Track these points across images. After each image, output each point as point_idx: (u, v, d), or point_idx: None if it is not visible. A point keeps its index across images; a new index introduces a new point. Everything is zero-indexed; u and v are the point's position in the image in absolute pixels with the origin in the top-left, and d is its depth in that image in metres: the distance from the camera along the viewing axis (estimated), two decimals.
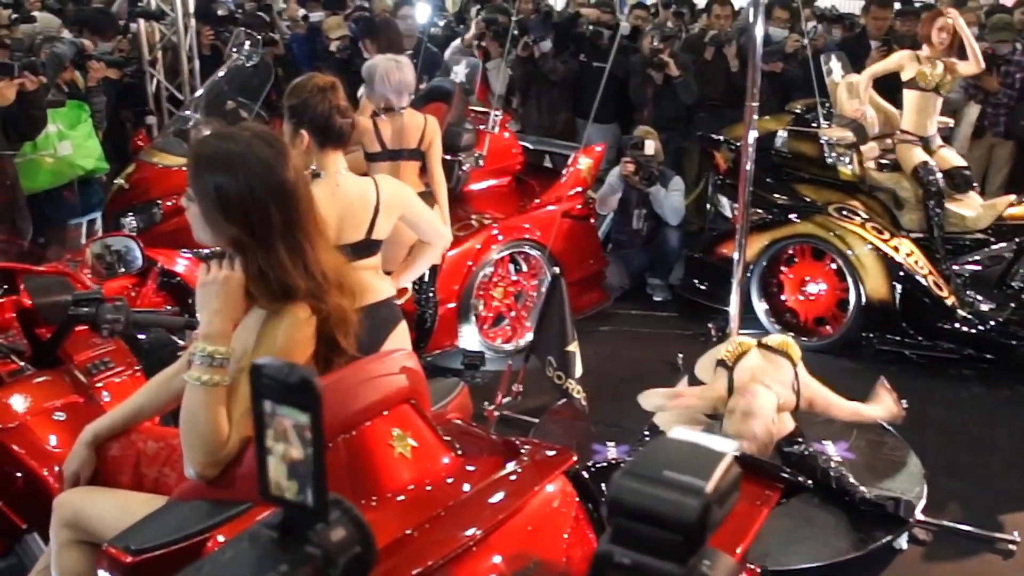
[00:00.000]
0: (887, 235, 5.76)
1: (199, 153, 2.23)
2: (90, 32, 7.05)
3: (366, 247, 3.46)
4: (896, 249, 5.68)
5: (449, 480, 2.28)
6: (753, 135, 4.44)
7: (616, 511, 1.09)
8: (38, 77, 5.21)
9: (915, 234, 5.91)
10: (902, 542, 3.91)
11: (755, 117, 4.43)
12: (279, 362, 1.14)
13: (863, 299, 5.68)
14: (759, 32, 4.45)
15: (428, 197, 5.00)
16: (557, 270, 4.01)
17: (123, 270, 3.89)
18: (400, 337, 3.48)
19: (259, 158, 2.16)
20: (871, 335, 5.71)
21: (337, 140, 3.48)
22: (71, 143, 5.93)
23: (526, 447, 2.49)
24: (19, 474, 2.81)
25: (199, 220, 2.22)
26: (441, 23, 10.91)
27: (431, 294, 5.25)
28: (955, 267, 5.80)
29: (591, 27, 8.10)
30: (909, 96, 6.14)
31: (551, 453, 2.47)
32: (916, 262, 5.66)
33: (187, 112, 6.85)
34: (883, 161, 6.33)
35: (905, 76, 6.08)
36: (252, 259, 2.16)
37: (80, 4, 9.71)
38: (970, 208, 6.05)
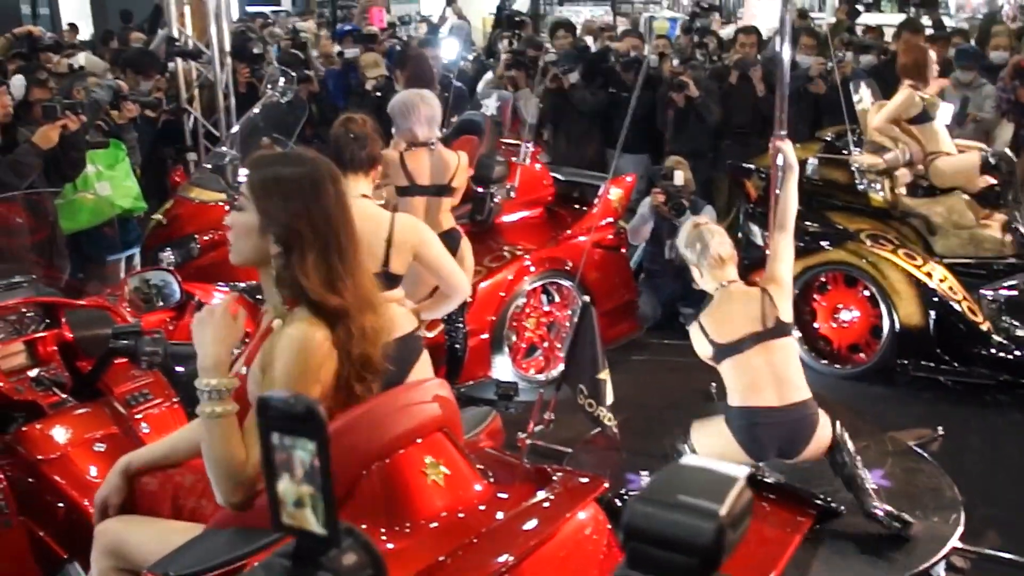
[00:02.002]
0: (920, 261, 5.73)
1: (262, 156, 2.36)
2: (133, 72, 7.20)
3: (384, 278, 3.50)
4: (929, 275, 5.65)
5: (481, 507, 2.30)
6: (781, 162, 4.45)
7: (632, 536, 1.10)
8: (79, 117, 5.31)
9: (948, 259, 5.87)
10: (940, 570, 3.86)
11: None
12: (284, 393, 1.19)
13: (897, 325, 5.65)
14: (786, 59, 4.46)
15: (455, 235, 5.04)
16: (587, 298, 4.03)
17: (161, 304, 3.96)
18: (423, 370, 3.51)
19: (323, 170, 2.28)
20: (905, 362, 5.67)
21: (354, 167, 3.68)
22: (110, 184, 6.04)
23: (558, 475, 2.51)
24: (60, 504, 2.87)
25: (245, 227, 2.25)
26: (471, 57, 11.02)
27: (460, 325, 5.28)
28: (989, 292, 5.74)
29: (622, 60, 8.15)
30: (923, 129, 6.13)
31: (583, 480, 2.48)
32: (950, 288, 5.62)
33: (223, 148, 6.96)
34: (920, 184, 6.30)
35: (912, 113, 6.09)
36: (298, 254, 2.18)
37: (120, 44, 9.94)
38: (1003, 232, 6.00)
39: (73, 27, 13.55)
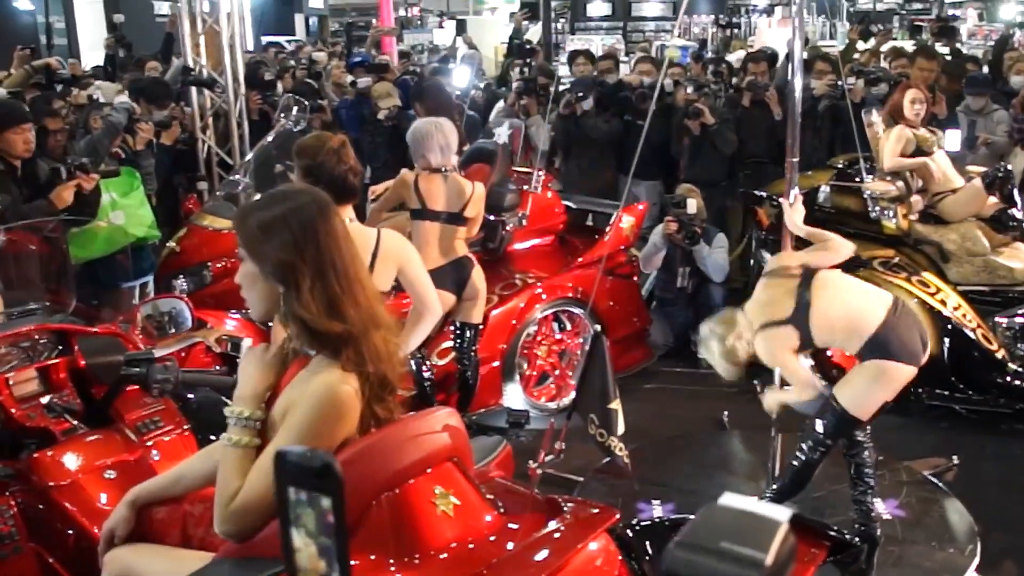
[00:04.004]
0: (933, 289, 5.70)
1: (245, 205, 2.36)
2: (146, 101, 7.26)
3: None
4: (943, 303, 5.62)
5: (492, 538, 2.28)
6: (795, 191, 4.45)
7: None
8: (89, 176, 5.27)
9: (963, 287, 5.84)
10: None
11: (796, 172, 4.44)
12: (301, 448, 1.19)
13: None
14: (798, 85, 4.48)
15: (467, 263, 5.06)
16: (599, 328, 4.03)
17: (173, 331, 3.97)
18: None
19: (307, 201, 2.27)
20: (920, 390, 5.61)
21: (351, 196, 3.75)
22: (123, 213, 6.07)
23: (569, 505, 2.50)
24: (70, 531, 2.87)
25: (250, 277, 2.27)
26: (482, 85, 11.08)
27: (473, 353, 5.28)
28: (1004, 320, 5.71)
29: (637, 91, 8.16)
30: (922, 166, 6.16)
31: (594, 511, 2.47)
32: (964, 315, 5.58)
33: (236, 176, 7.01)
34: (932, 212, 6.28)
35: (908, 150, 6.11)
36: (295, 287, 2.19)
37: (130, 69, 10.03)
38: (1018, 260, 5.97)
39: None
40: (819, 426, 3.95)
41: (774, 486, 4.14)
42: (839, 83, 7.32)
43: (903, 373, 3.84)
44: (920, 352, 3.88)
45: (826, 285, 4.00)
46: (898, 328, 3.85)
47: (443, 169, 4.93)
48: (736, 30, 17.76)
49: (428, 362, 5.21)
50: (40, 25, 17.56)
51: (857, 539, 3.84)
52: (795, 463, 4.06)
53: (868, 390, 3.86)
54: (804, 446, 4.02)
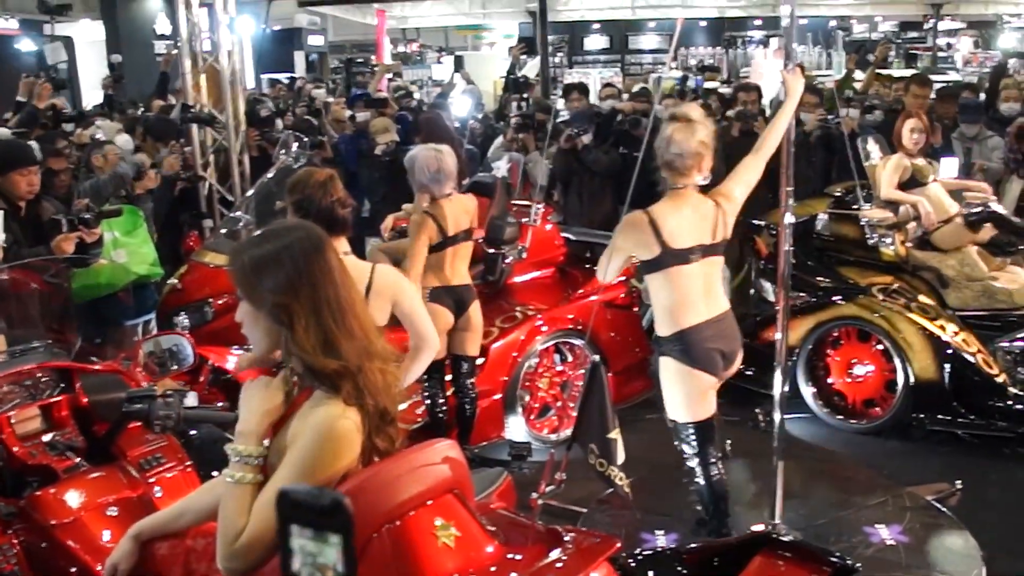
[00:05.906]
0: (933, 314, 5.72)
1: (236, 245, 2.37)
2: (153, 139, 7.31)
3: None
4: (943, 328, 5.64)
5: (493, 569, 2.28)
6: (790, 218, 4.47)
7: None
8: (91, 231, 5.27)
9: (962, 312, 5.85)
10: None
11: (791, 201, 4.46)
12: (307, 487, 1.16)
13: (911, 379, 5.63)
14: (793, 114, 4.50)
15: (471, 291, 5.11)
16: (597, 358, 4.04)
17: (175, 367, 3.98)
18: None
19: (299, 237, 2.27)
20: (921, 416, 5.64)
21: (341, 229, 3.76)
22: (126, 251, 6.10)
23: (570, 535, 2.50)
24: (73, 569, 2.86)
25: (250, 316, 2.28)
26: (480, 116, 11.16)
27: (469, 387, 5.29)
28: (1004, 344, 5.72)
29: (629, 117, 8.23)
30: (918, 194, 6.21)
31: (596, 541, 2.47)
32: (964, 341, 5.60)
33: (237, 213, 7.04)
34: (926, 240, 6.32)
35: (904, 178, 6.16)
36: (290, 326, 2.20)
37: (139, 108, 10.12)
38: (1016, 283, 6.00)
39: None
40: (681, 448, 4.14)
41: (709, 519, 4.18)
42: (828, 117, 7.38)
43: (699, 377, 3.97)
44: (719, 366, 4.01)
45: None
46: (708, 337, 3.94)
47: (448, 195, 5.02)
48: (716, 72, 17.82)
49: (443, 393, 5.23)
50: (45, 65, 17.69)
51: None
52: (699, 488, 4.17)
53: (675, 394, 4.04)
54: (693, 470, 4.15)
